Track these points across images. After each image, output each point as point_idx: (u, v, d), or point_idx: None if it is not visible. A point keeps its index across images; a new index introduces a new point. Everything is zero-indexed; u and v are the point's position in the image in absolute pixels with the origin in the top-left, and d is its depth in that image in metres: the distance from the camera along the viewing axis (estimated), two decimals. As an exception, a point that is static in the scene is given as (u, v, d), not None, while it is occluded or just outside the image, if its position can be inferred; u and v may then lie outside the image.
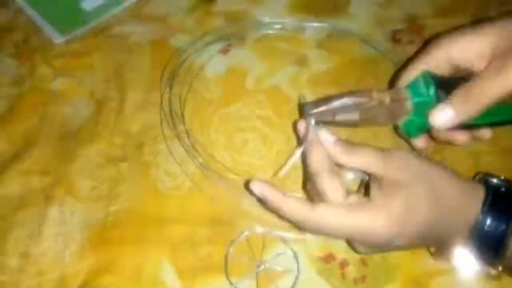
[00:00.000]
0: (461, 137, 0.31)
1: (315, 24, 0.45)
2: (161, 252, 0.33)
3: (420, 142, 0.32)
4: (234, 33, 0.45)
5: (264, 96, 0.41)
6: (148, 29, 0.46)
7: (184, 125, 0.39)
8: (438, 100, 0.29)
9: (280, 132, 0.39)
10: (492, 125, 0.31)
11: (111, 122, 0.40)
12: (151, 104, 0.41)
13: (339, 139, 0.28)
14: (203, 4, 0.48)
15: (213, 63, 0.43)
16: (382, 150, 0.27)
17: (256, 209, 0.35)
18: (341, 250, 0.33)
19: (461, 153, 0.37)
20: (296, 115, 0.40)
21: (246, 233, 0.33)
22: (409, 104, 0.29)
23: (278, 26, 0.45)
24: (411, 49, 0.43)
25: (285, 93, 0.41)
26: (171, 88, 0.41)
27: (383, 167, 0.27)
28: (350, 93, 0.28)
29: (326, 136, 0.28)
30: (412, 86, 0.30)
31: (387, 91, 0.29)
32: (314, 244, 0.33)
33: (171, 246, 0.33)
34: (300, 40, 0.44)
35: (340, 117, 0.28)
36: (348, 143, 0.28)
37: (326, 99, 0.28)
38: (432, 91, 0.29)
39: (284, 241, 0.33)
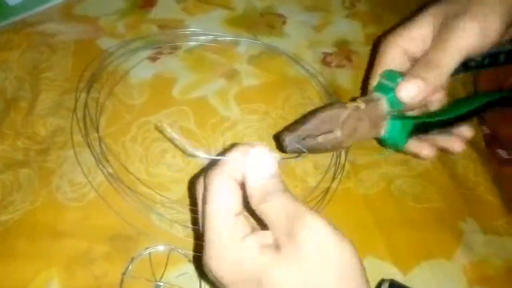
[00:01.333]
0: (427, 151, 0.31)
1: (248, 40, 0.45)
2: (52, 270, 0.30)
3: (414, 147, 0.31)
4: (166, 40, 0.44)
5: (189, 107, 0.40)
6: (76, 29, 0.44)
7: (98, 132, 0.36)
8: None
9: (201, 145, 0.37)
10: (457, 120, 0.31)
11: (18, 123, 0.37)
12: (65, 108, 0.38)
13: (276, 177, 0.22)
14: (137, 10, 0.46)
15: (140, 69, 0.42)
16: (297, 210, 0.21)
17: (165, 225, 0.33)
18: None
19: (374, 174, 0.37)
20: (220, 128, 0.39)
21: (148, 250, 0.31)
22: (383, 103, 0.28)
23: (210, 38, 0.44)
24: (339, 72, 0.44)
25: (211, 106, 0.40)
26: (88, 92, 0.39)
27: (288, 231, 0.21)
28: (320, 109, 0.26)
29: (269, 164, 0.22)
30: (379, 86, 0.29)
31: (358, 99, 0.28)
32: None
33: (64, 263, 0.30)
34: (232, 54, 0.44)
35: (322, 139, 0.26)
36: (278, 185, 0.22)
37: (299, 122, 0.26)
38: (399, 80, 0.28)
39: (190, 259, 0.31)
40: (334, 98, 0.42)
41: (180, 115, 0.39)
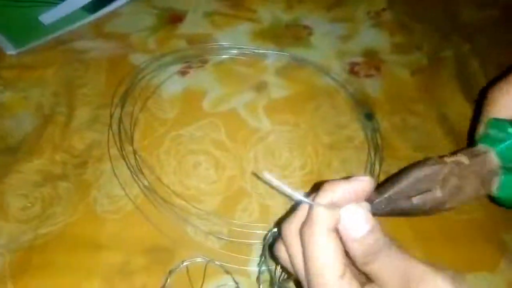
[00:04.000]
0: None
1: (276, 52, 0.45)
2: (91, 282, 0.30)
3: None
4: (195, 55, 0.45)
5: (219, 119, 0.40)
6: (108, 46, 0.45)
7: (132, 145, 0.37)
8: None
9: (233, 157, 0.38)
10: None
11: (56, 138, 0.38)
12: (100, 122, 0.39)
13: (375, 232, 0.20)
14: (166, 26, 0.47)
15: (171, 84, 0.42)
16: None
17: (199, 237, 0.33)
18: (286, 283, 0.31)
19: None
20: (250, 140, 0.39)
21: (186, 262, 0.31)
22: (493, 157, 0.25)
23: (239, 51, 0.45)
24: (367, 82, 0.44)
25: (242, 118, 0.40)
26: (122, 106, 0.39)
27: None
28: (415, 165, 0.23)
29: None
30: (485, 137, 0.26)
31: (460, 152, 0.25)
32: (257, 275, 0.31)
33: (103, 276, 0.30)
34: (260, 66, 0.44)
35: (418, 200, 0.22)
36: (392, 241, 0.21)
37: (390, 181, 0.23)
38: (510, 129, 0.25)
39: (226, 271, 0.31)
40: (364, 108, 0.41)
41: (211, 127, 0.39)
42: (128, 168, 0.36)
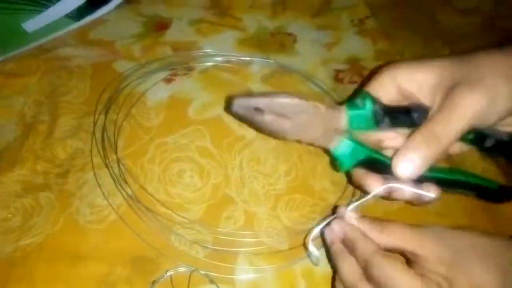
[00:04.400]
0: (375, 184, 0.28)
1: (261, 59, 0.45)
2: (73, 294, 0.30)
3: (360, 176, 0.28)
4: (180, 62, 0.45)
5: (205, 126, 0.40)
6: (92, 53, 0.45)
7: (116, 153, 0.37)
8: (375, 116, 0.27)
9: (218, 165, 0.38)
10: (441, 182, 0.28)
11: (38, 147, 0.37)
12: (83, 130, 0.38)
13: (364, 216, 0.27)
14: (152, 33, 0.47)
15: (156, 91, 0.42)
16: (414, 226, 0.26)
17: (184, 246, 0.33)
18: (271, 292, 0.31)
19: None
20: (236, 147, 0.39)
21: (169, 272, 0.31)
22: (343, 117, 0.27)
23: (224, 59, 0.45)
24: (352, 88, 0.44)
25: (227, 125, 0.40)
26: (106, 114, 0.39)
27: (421, 243, 0.25)
28: (287, 93, 0.25)
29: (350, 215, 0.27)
30: (351, 101, 0.28)
31: (325, 103, 0.27)
32: (242, 285, 0.31)
33: (85, 287, 0.30)
34: (245, 74, 0.44)
35: (269, 119, 0.25)
36: (375, 220, 0.27)
37: (259, 94, 0.25)
38: (368, 103, 0.27)
39: (211, 280, 0.31)
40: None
41: (196, 135, 0.39)
42: (112, 177, 0.35)
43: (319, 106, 0.26)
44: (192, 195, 0.36)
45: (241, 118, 0.26)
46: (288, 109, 0.25)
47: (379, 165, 0.28)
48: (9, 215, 0.33)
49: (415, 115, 0.27)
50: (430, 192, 0.27)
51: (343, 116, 0.27)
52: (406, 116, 0.28)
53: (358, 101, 0.28)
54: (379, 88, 0.28)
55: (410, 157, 0.25)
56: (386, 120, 0.28)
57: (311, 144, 0.28)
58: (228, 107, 0.27)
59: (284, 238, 0.34)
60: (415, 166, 0.25)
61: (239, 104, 0.25)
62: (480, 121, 0.25)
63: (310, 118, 0.26)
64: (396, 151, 0.26)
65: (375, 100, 0.28)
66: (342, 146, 0.27)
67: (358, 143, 0.27)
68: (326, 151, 0.29)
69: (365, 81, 0.30)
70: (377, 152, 0.28)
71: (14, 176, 0.35)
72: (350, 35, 0.49)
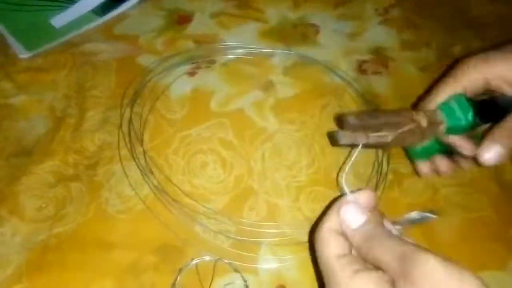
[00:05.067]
0: (445, 167, 0.32)
1: (283, 51, 0.45)
2: (102, 281, 0.31)
3: (425, 167, 0.32)
4: (203, 55, 0.45)
5: (227, 119, 0.40)
6: (117, 48, 0.46)
7: (142, 146, 0.38)
8: (473, 127, 0.29)
9: (240, 157, 0.38)
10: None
11: (67, 139, 0.39)
12: (110, 124, 0.40)
13: (372, 222, 0.24)
14: (174, 27, 0.48)
15: (179, 84, 0.43)
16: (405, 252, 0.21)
17: (208, 236, 0.33)
18: (293, 282, 0.31)
19: (419, 184, 0.36)
20: (258, 139, 0.39)
21: (195, 261, 0.32)
22: (441, 129, 0.29)
23: (246, 51, 0.45)
24: (375, 80, 0.44)
25: (249, 117, 0.41)
26: (132, 108, 0.40)
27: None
28: (392, 112, 0.28)
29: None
30: (447, 107, 0.29)
31: (423, 112, 0.29)
32: (265, 274, 0.32)
33: (114, 274, 0.31)
34: (267, 66, 0.44)
35: (373, 139, 0.27)
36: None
37: (367, 114, 0.27)
38: (470, 116, 0.28)
39: (235, 269, 0.32)
40: (371, 105, 0.41)
41: (219, 127, 0.40)
42: (138, 168, 0.36)
43: (422, 124, 0.28)
44: (216, 186, 0.36)
45: (350, 143, 0.27)
46: (392, 127, 0.27)
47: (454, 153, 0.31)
48: (43, 205, 0.34)
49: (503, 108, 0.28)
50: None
51: (441, 128, 0.29)
52: (495, 111, 0.28)
53: (458, 112, 0.29)
54: (467, 85, 0.29)
55: (494, 148, 0.27)
56: (478, 118, 0.29)
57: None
58: (333, 141, 0.27)
59: (306, 230, 0.34)
60: (499, 156, 0.27)
61: (353, 124, 0.26)
62: None
63: (411, 132, 0.28)
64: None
65: (476, 111, 0.28)
66: (426, 148, 0.30)
67: (440, 145, 0.30)
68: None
69: (446, 76, 0.30)
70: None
71: (47, 167, 0.37)
72: (374, 25, 0.48)
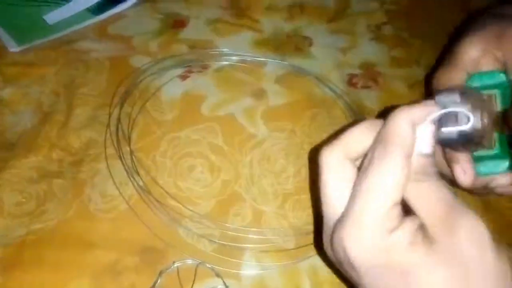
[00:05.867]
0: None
1: (276, 61, 0.46)
2: (80, 280, 0.30)
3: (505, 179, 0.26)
4: (196, 60, 0.45)
5: (217, 123, 0.40)
6: (110, 47, 0.46)
7: (129, 145, 0.37)
8: None
9: (228, 162, 0.38)
10: None
11: (53, 135, 0.38)
12: (98, 122, 0.39)
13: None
14: (169, 30, 0.48)
15: (171, 87, 0.43)
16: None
17: (191, 240, 0.33)
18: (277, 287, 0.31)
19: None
20: (247, 145, 0.39)
21: (176, 264, 0.31)
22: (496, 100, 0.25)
23: (239, 58, 0.46)
24: (365, 94, 0.44)
25: (239, 123, 0.41)
26: (121, 107, 0.40)
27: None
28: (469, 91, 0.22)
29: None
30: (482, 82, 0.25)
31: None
32: (248, 280, 0.32)
33: (93, 274, 0.30)
34: (259, 74, 0.45)
35: (474, 122, 0.21)
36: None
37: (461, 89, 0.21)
38: (503, 76, 0.25)
39: (217, 274, 0.31)
40: (360, 118, 0.42)
41: (209, 131, 0.40)
42: (124, 168, 0.36)
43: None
44: (202, 190, 0.36)
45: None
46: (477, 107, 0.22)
47: None
48: (23, 200, 0.33)
49: None
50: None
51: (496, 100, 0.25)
52: None
53: (487, 79, 0.25)
54: (479, 62, 0.27)
55: None
56: None
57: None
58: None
59: (290, 237, 0.34)
60: None
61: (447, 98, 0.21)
62: None
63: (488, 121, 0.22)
64: None
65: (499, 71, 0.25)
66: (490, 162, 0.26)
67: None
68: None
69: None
70: None
71: (30, 162, 0.36)
72: (365, 41, 0.50)
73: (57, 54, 0.45)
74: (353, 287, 0.22)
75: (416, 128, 0.20)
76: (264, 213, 0.35)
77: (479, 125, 0.21)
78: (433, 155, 0.21)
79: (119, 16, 0.49)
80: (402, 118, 0.20)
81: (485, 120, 0.22)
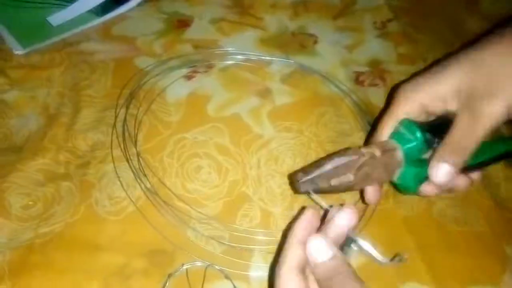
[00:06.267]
0: (462, 182, 0.30)
1: (281, 59, 0.45)
2: (89, 284, 0.30)
3: (428, 189, 0.30)
4: (201, 60, 0.45)
5: (223, 124, 0.40)
6: (114, 48, 0.46)
7: (136, 147, 0.37)
8: (427, 142, 0.28)
9: (235, 162, 0.38)
10: (484, 164, 0.31)
11: (60, 138, 0.38)
12: (104, 124, 0.39)
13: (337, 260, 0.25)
14: (173, 30, 0.48)
15: (176, 87, 0.43)
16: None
17: (200, 241, 0.33)
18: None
19: (414, 196, 0.36)
20: (254, 146, 0.39)
21: (185, 266, 0.31)
22: (399, 154, 0.29)
23: (244, 57, 0.45)
24: (372, 91, 0.44)
25: (245, 123, 0.40)
26: (127, 108, 0.40)
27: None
28: (337, 154, 0.27)
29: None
30: (396, 134, 0.29)
31: (374, 145, 0.29)
32: (257, 282, 0.31)
33: (102, 277, 0.30)
34: (265, 73, 0.45)
35: (335, 182, 0.27)
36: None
37: (315, 165, 0.27)
38: (418, 134, 0.28)
39: (226, 276, 0.31)
40: (367, 116, 0.41)
41: (215, 132, 0.40)
42: (131, 169, 0.36)
43: (375, 153, 0.28)
44: (210, 191, 0.36)
45: (315, 191, 0.27)
46: (348, 167, 0.27)
47: None
48: (30, 203, 0.33)
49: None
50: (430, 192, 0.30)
51: (399, 153, 0.29)
52: (445, 126, 0.28)
53: (406, 134, 0.29)
54: (407, 112, 0.29)
55: (442, 167, 0.28)
56: (435, 139, 0.29)
57: (378, 183, 0.30)
58: (293, 187, 0.28)
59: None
60: (447, 173, 0.28)
61: (303, 185, 0.27)
62: (499, 123, 0.27)
63: (369, 166, 0.27)
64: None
65: (421, 127, 0.29)
66: (403, 176, 0.29)
67: (416, 165, 0.29)
68: (392, 183, 0.31)
69: (386, 106, 0.31)
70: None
71: (37, 165, 0.36)
72: (372, 38, 0.49)
73: (62, 56, 0.45)
74: None
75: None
76: (273, 214, 0.35)
77: (347, 180, 0.27)
78: (335, 257, 0.24)
79: (123, 17, 0.49)
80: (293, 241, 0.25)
81: (352, 176, 0.27)
